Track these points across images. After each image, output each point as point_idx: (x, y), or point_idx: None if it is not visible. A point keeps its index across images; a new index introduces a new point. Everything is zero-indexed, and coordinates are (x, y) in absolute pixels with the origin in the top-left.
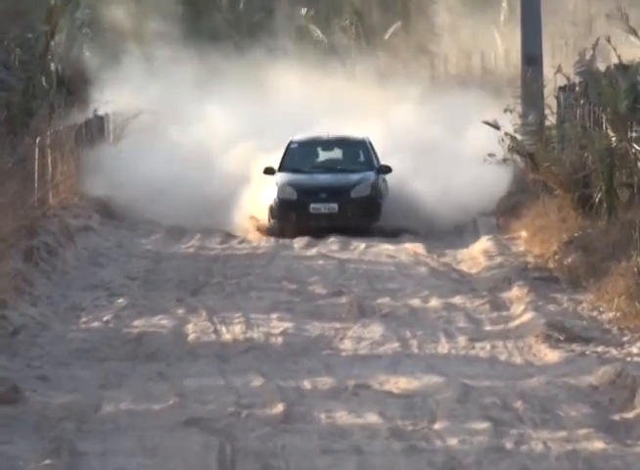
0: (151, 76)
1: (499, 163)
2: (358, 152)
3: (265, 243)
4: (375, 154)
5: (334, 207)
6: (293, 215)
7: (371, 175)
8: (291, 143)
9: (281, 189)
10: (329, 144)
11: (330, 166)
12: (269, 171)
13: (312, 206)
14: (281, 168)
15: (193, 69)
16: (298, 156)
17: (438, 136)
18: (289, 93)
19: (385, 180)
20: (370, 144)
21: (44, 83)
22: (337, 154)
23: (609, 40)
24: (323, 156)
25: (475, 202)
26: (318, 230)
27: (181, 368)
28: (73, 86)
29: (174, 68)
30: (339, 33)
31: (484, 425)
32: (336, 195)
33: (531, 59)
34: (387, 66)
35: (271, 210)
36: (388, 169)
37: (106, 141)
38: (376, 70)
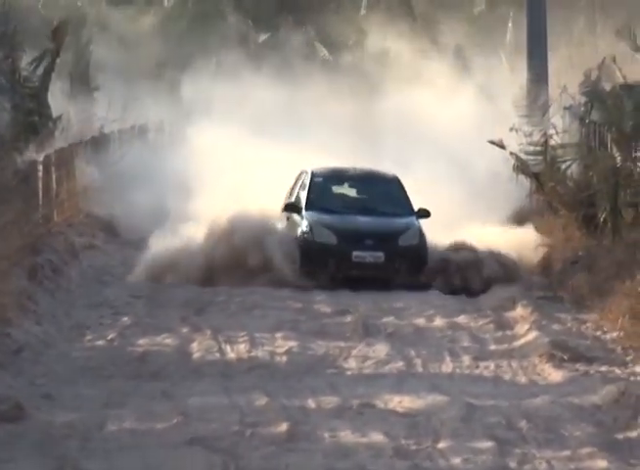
0: (156, 92)
1: (507, 182)
2: (391, 191)
3: None
4: None
5: (380, 256)
6: (332, 263)
7: (414, 221)
8: (314, 176)
9: (317, 231)
10: (357, 180)
11: (366, 208)
12: (292, 209)
13: (355, 254)
14: (308, 206)
15: (203, 86)
16: (325, 192)
17: (446, 156)
18: (299, 113)
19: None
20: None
21: (49, 101)
22: (368, 192)
23: (614, 60)
24: (353, 194)
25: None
26: (359, 281)
27: (185, 387)
28: (79, 104)
29: (181, 84)
30: (344, 52)
31: (488, 444)
32: (382, 242)
33: (537, 78)
34: (393, 83)
35: (302, 255)
36: (426, 214)
37: (111, 158)
38: (382, 87)
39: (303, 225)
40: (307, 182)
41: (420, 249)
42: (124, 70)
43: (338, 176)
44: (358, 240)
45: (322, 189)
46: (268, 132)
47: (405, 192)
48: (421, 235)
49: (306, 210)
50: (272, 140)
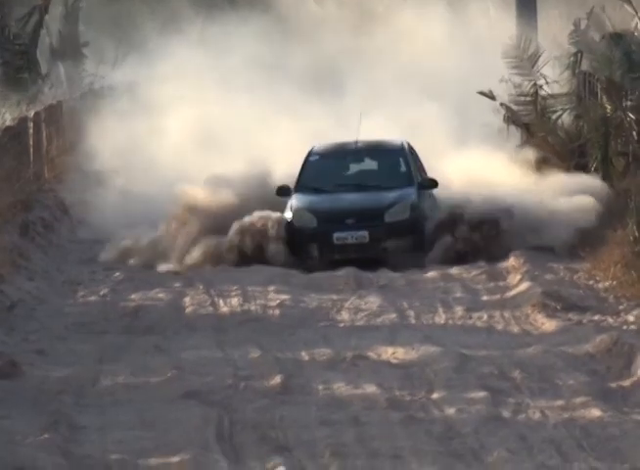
0: (146, 47)
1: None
2: (394, 162)
3: None
4: (417, 162)
5: (363, 235)
6: (313, 248)
7: (410, 193)
8: (310, 154)
9: (297, 215)
10: (358, 154)
11: (358, 183)
12: (283, 192)
13: (336, 235)
14: (298, 188)
15: (190, 41)
16: (320, 171)
17: (435, 112)
18: None
19: (432, 197)
20: (409, 150)
21: (38, 57)
22: (368, 166)
23: (603, 9)
24: (351, 169)
25: None
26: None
27: (179, 341)
28: (68, 60)
29: (169, 38)
30: (332, 5)
31: (482, 394)
32: (365, 220)
33: (526, 28)
34: (383, 40)
35: (286, 241)
36: (433, 184)
37: (100, 114)
38: (370, 37)
39: (287, 209)
40: (303, 161)
41: (412, 224)
42: (114, 25)
43: (337, 153)
44: (339, 220)
45: (315, 168)
46: (254, 90)
47: (408, 160)
48: (414, 208)
49: (295, 191)
50: (254, 94)
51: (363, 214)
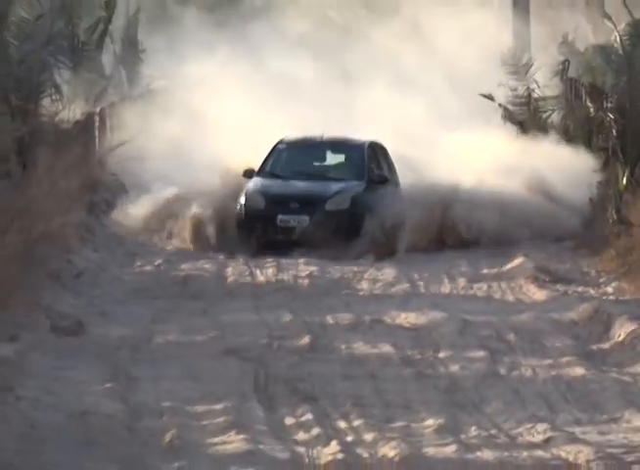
0: (193, 55)
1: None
2: (351, 158)
3: None
4: (381, 161)
5: (305, 219)
6: (258, 228)
7: (356, 186)
8: (278, 143)
9: (249, 196)
10: (322, 147)
11: (313, 173)
12: (248, 175)
13: (280, 217)
14: (259, 172)
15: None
16: (284, 159)
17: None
18: None
19: (391, 193)
20: (372, 149)
21: (103, 62)
22: (328, 159)
23: (587, 24)
24: (310, 160)
25: None
26: (285, 246)
27: (221, 306)
28: (128, 64)
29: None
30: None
31: (481, 354)
32: (308, 206)
33: (521, 40)
34: (381, 51)
35: (237, 220)
36: (382, 179)
37: (155, 111)
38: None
39: (243, 190)
40: (270, 149)
41: (352, 214)
42: (169, 36)
43: (303, 144)
44: (284, 204)
45: (280, 156)
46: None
47: (364, 159)
48: (356, 200)
49: (256, 175)
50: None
51: (307, 201)
